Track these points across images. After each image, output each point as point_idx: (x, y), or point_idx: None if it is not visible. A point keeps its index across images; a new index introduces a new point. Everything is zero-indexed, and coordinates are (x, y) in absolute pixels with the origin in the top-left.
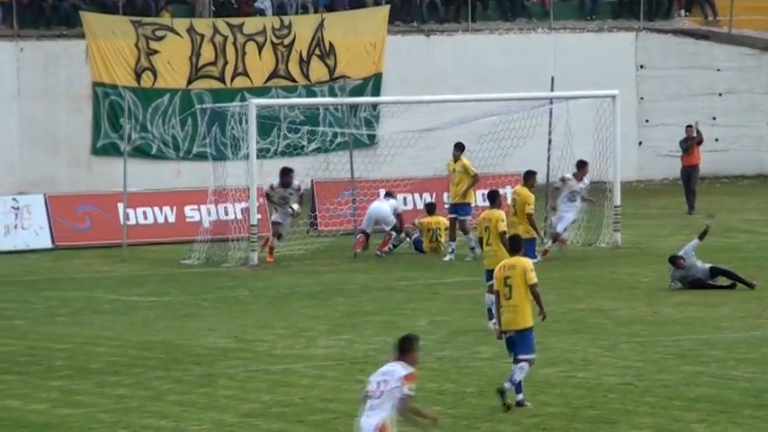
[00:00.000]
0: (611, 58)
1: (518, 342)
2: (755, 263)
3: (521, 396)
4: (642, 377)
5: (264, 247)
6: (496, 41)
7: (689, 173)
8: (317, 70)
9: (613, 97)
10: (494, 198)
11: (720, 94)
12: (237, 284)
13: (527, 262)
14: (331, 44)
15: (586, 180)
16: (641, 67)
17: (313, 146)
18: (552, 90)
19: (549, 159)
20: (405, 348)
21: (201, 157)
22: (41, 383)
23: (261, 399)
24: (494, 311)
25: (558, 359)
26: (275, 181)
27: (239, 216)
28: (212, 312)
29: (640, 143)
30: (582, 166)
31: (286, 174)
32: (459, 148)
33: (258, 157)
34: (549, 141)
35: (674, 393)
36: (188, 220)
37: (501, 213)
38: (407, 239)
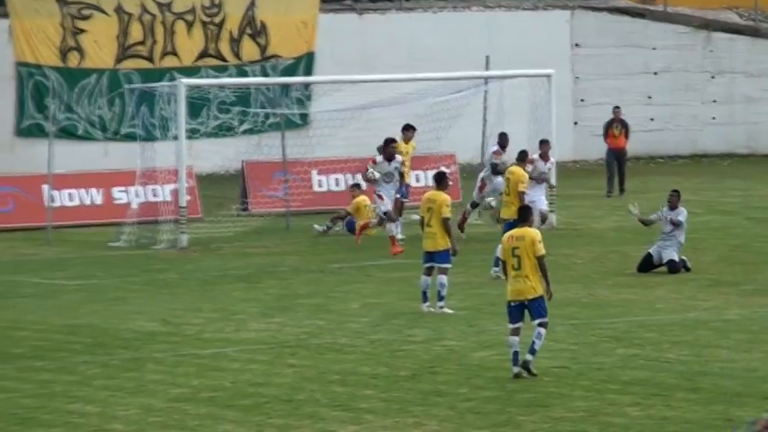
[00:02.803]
0: (546, 37)
1: (533, 309)
2: (690, 244)
3: (530, 357)
4: (577, 360)
5: (363, 232)
6: (431, 20)
7: (616, 155)
8: (249, 49)
9: (548, 76)
10: (440, 179)
11: (656, 73)
12: (166, 267)
13: (536, 233)
14: (262, 23)
15: (552, 159)
16: (576, 45)
17: (244, 126)
18: (487, 69)
19: (483, 140)
20: None
21: (130, 137)
22: None
23: (190, 383)
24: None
25: (493, 342)
26: (378, 156)
27: (168, 198)
28: (140, 296)
29: (575, 123)
30: (544, 144)
31: (389, 144)
32: (411, 128)
33: (188, 137)
34: (484, 121)
35: (609, 376)
36: (116, 201)
37: (447, 198)
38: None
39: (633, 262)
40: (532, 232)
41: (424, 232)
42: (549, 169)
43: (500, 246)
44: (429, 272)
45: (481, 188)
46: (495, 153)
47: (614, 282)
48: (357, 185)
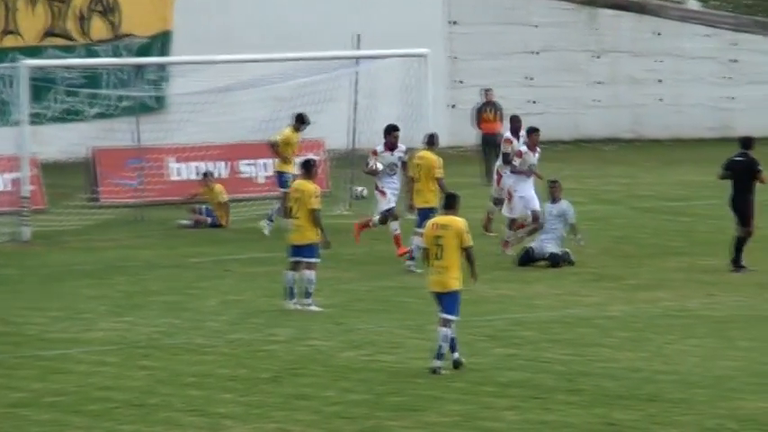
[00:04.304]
0: (420, 14)
1: (444, 302)
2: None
3: (456, 354)
4: (450, 362)
5: (364, 229)
6: None
7: (490, 140)
8: (98, 28)
9: (423, 56)
10: (308, 168)
11: (537, 53)
12: (6, 262)
13: (462, 223)
14: None
15: (538, 150)
16: (453, 23)
17: (94, 110)
18: (357, 49)
19: (354, 124)
20: None
21: None
22: None
23: (30, 387)
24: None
25: (361, 341)
26: (378, 147)
27: (9, 187)
28: None
29: (452, 106)
30: (533, 132)
31: (390, 132)
32: (304, 118)
33: (31, 123)
34: (355, 105)
35: (485, 378)
36: None
37: (315, 188)
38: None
39: (513, 254)
40: (459, 222)
41: (292, 224)
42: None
43: (415, 237)
44: (295, 267)
45: (498, 181)
46: (505, 141)
47: (492, 276)
48: (209, 173)
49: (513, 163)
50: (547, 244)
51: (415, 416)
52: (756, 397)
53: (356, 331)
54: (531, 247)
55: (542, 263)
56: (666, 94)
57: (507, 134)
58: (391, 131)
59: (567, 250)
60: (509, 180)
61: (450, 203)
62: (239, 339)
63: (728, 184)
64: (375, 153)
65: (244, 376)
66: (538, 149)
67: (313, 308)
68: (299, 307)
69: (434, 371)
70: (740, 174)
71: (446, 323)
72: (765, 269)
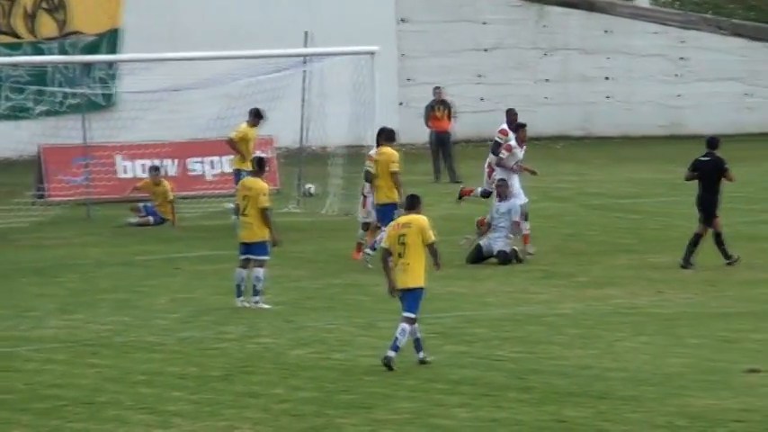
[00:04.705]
0: (370, 12)
1: (407, 299)
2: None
3: (422, 354)
4: (402, 358)
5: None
6: None
7: (440, 139)
8: (46, 25)
9: (372, 54)
10: (258, 165)
11: (486, 50)
12: None
13: (424, 220)
14: None
15: (524, 146)
16: (402, 20)
17: (41, 108)
18: (307, 46)
19: (303, 122)
20: None
21: None
22: None
23: None
24: (384, 268)
25: (310, 339)
26: (372, 151)
27: None
28: None
29: (401, 104)
30: (522, 128)
31: (382, 135)
32: (259, 114)
33: None
34: (304, 103)
35: (436, 375)
36: None
37: (265, 186)
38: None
39: (463, 253)
40: (421, 219)
41: (240, 221)
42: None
43: (378, 232)
44: (245, 264)
45: (489, 174)
46: (501, 131)
47: (443, 274)
48: (158, 168)
49: (501, 155)
50: (496, 242)
51: (366, 413)
52: (705, 394)
53: (306, 329)
54: (480, 245)
55: (493, 260)
56: (616, 91)
57: (504, 126)
58: (383, 134)
59: (516, 248)
60: (499, 175)
61: (413, 204)
62: (189, 337)
63: (683, 181)
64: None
65: (194, 374)
66: (524, 145)
67: (263, 305)
68: (249, 305)
69: (386, 361)
70: (708, 173)
71: (409, 321)
72: (713, 266)
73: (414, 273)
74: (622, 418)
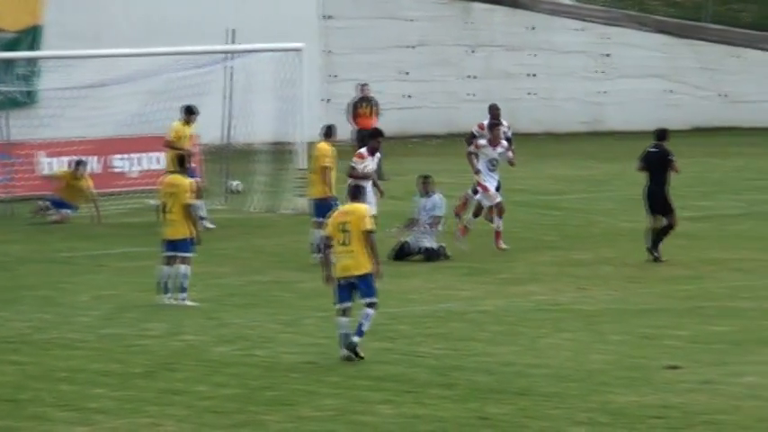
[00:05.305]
0: (295, 9)
1: (362, 287)
2: (448, 228)
3: (356, 339)
4: (326, 355)
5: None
6: None
7: (365, 135)
8: None
9: (298, 51)
10: (182, 162)
11: (413, 47)
12: None
13: (365, 208)
14: None
15: (504, 143)
16: (328, 17)
17: None
18: (231, 43)
19: (229, 120)
20: None
21: None
22: None
23: None
24: (324, 257)
25: (233, 336)
26: (363, 150)
27: None
28: None
29: (328, 100)
30: (494, 127)
31: (375, 137)
32: (193, 111)
33: None
34: (228, 99)
35: (360, 372)
36: None
37: (189, 183)
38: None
39: (388, 249)
40: (362, 208)
41: (165, 219)
42: (501, 155)
43: (314, 230)
44: (169, 261)
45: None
46: (479, 126)
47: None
48: (83, 163)
49: (469, 149)
50: (421, 238)
51: (289, 410)
52: (627, 390)
53: (229, 326)
54: (406, 242)
55: (417, 257)
56: (539, 88)
57: (485, 122)
58: (376, 136)
59: (443, 245)
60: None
61: (356, 194)
62: (112, 334)
63: (604, 178)
64: (362, 157)
65: (116, 371)
66: (503, 143)
67: (187, 302)
68: (173, 302)
69: (351, 347)
70: (655, 164)
71: (371, 305)
72: (635, 263)
73: (359, 259)
74: (544, 414)
